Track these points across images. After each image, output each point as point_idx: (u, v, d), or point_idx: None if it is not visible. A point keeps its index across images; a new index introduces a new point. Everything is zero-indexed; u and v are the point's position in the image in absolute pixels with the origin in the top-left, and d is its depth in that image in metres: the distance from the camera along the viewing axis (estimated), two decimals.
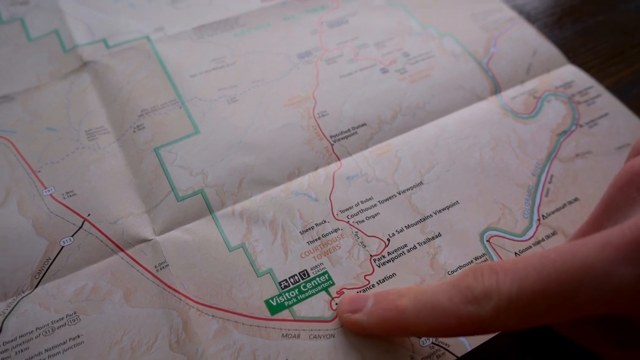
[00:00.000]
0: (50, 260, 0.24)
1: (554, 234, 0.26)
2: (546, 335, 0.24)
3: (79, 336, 0.22)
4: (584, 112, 0.31)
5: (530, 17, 0.36)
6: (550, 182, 0.28)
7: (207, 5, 0.35)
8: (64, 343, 0.22)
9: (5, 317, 0.23)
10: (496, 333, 0.22)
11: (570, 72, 0.33)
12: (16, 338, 0.22)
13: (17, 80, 0.31)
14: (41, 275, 0.24)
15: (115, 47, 0.32)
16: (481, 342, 0.23)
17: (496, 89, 0.32)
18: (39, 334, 0.22)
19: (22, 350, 0.22)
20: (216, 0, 0.35)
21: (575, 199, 0.27)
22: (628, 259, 0.15)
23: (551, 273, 0.16)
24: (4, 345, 0.22)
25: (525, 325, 0.17)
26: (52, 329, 0.22)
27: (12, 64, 0.31)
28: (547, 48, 0.34)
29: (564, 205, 0.27)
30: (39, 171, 0.27)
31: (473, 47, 0.34)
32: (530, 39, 0.34)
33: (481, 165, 0.28)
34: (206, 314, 0.23)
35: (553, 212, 0.27)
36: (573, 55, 0.34)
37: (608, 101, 0.31)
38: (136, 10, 0.34)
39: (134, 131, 0.28)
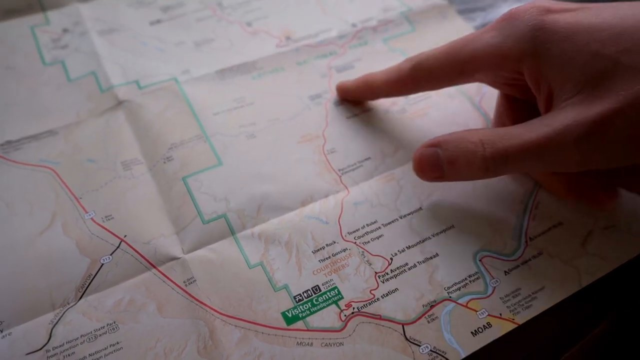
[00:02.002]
0: (92, 276, 0.27)
1: (540, 254, 0.29)
2: (537, 341, 0.26)
3: (118, 343, 0.25)
4: None
5: None
6: (536, 209, 0.31)
7: (228, 50, 0.39)
8: (105, 349, 0.25)
9: (54, 326, 0.26)
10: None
11: None
12: (64, 344, 0.25)
13: (59, 117, 0.34)
14: (84, 289, 0.27)
15: (146, 88, 0.36)
16: (475, 349, 0.26)
17: (488, 125, 0.35)
18: (83, 341, 0.25)
19: (69, 355, 0.25)
20: (236, 45, 0.39)
21: (560, 223, 0.30)
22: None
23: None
24: (53, 349, 0.25)
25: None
26: (95, 336, 0.25)
27: (55, 102, 0.35)
28: None
29: (549, 229, 0.30)
30: (81, 197, 0.30)
31: (466, 87, 0.37)
32: None
33: (474, 193, 0.31)
34: (230, 324, 0.26)
35: (539, 235, 0.30)
36: None
37: None
38: (164, 54, 0.38)
39: (164, 162, 0.32)
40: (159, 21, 0.41)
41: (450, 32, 0.41)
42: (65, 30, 0.39)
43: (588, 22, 0.24)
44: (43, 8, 0.41)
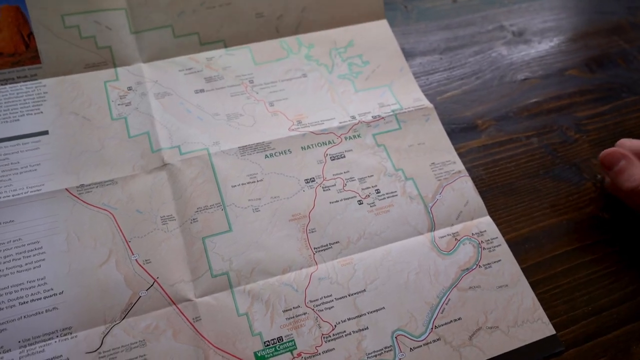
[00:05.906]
0: (132, 304, 0.40)
1: (438, 339, 0.42)
2: None
3: (144, 355, 0.38)
4: (485, 256, 0.46)
5: (472, 172, 0.52)
6: (447, 304, 0.43)
7: (251, 126, 0.50)
8: (136, 358, 0.38)
9: (105, 335, 0.39)
10: None
11: (486, 223, 0.48)
12: (110, 350, 0.38)
13: (120, 168, 0.46)
14: (126, 312, 0.40)
15: (185, 154, 0.48)
16: None
17: (432, 228, 0.47)
18: (123, 350, 0.38)
19: (112, 358, 0.38)
20: (258, 123, 0.51)
21: (459, 318, 0.43)
22: None
23: None
24: (102, 353, 0.38)
25: None
26: (130, 348, 0.39)
27: (117, 154, 0.47)
28: (476, 201, 0.49)
29: (450, 322, 0.43)
30: (130, 241, 0.43)
31: (425, 192, 0.49)
32: (466, 191, 0.49)
33: (406, 284, 0.44)
34: (219, 355, 0.39)
35: (442, 325, 0.42)
36: (494, 209, 0.49)
37: (504, 251, 0.46)
38: (202, 123, 0.50)
39: (191, 222, 0.44)
40: (202, 90, 0.52)
41: (429, 134, 0.53)
42: (129, 88, 0.51)
43: None
44: (115, 64, 0.52)
